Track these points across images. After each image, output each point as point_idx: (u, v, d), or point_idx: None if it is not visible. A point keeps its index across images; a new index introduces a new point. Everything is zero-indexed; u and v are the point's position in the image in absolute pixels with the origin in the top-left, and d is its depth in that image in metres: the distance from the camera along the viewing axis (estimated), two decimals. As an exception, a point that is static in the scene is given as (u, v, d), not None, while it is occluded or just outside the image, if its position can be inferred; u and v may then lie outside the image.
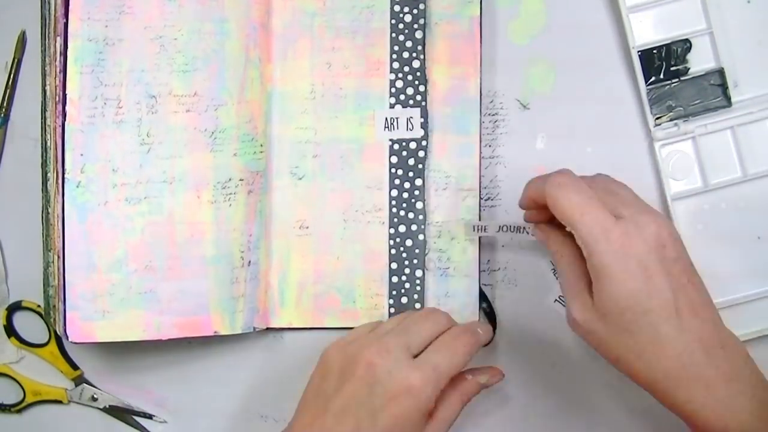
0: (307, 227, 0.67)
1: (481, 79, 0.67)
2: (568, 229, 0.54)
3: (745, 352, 0.55)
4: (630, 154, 0.68)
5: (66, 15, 0.62)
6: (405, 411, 0.56)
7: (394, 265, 0.68)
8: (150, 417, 0.69)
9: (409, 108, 0.67)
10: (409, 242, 0.68)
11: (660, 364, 0.53)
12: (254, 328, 0.66)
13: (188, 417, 0.69)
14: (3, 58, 0.69)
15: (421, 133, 0.67)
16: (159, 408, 0.69)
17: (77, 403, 0.69)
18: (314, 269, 0.68)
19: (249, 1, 0.65)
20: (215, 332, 0.65)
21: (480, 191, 0.68)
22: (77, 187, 0.62)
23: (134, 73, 0.63)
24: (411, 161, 0.67)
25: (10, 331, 0.69)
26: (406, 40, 0.67)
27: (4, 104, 0.69)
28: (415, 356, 0.59)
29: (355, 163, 0.67)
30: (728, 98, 0.66)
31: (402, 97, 0.67)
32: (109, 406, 0.69)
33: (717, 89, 0.66)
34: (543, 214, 0.60)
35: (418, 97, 0.67)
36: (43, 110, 0.65)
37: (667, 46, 0.67)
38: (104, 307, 0.63)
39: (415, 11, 0.67)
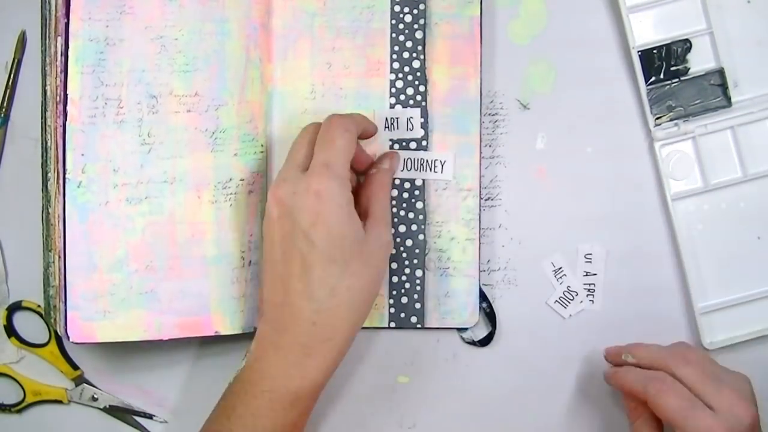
0: (308, 227, 0.67)
1: (481, 79, 0.67)
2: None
3: None
4: (630, 154, 0.68)
5: (67, 15, 0.62)
6: (328, 216, 0.58)
7: (394, 265, 0.68)
8: (150, 417, 0.69)
9: (409, 108, 0.67)
10: (409, 242, 0.68)
11: None
12: (255, 328, 0.66)
13: (188, 417, 0.69)
14: (3, 58, 0.69)
15: (421, 133, 0.67)
16: (159, 408, 0.69)
17: (77, 403, 0.69)
18: (314, 269, 0.68)
19: (249, 1, 0.65)
20: (216, 332, 0.65)
21: (480, 191, 0.68)
22: (78, 187, 0.62)
23: (135, 73, 0.63)
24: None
25: (10, 331, 0.69)
26: (406, 40, 0.67)
27: (4, 104, 0.69)
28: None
29: (355, 163, 0.67)
30: (728, 98, 0.66)
31: (402, 97, 0.67)
32: (109, 406, 0.69)
33: (717, 89, 0.67)
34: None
35: (418, 97, 0.67)
36: (44, 110, 0.65)
37: (667, 46, 0.67)
38: (105, 307, 0.63)
39: (415, 11, 0.67)
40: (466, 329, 0.69)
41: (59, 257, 0.63)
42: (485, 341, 0.69)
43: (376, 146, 0.67)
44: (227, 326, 0.65)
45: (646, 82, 0.67)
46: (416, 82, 0.67)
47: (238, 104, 0.65)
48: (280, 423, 0.59)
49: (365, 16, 0.67)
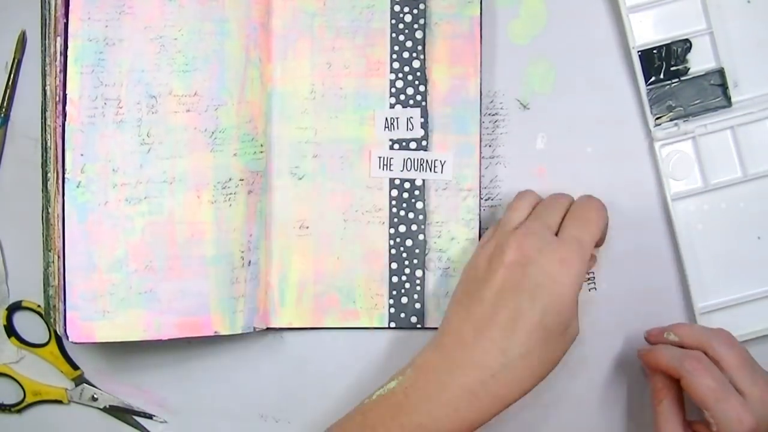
0: (307, 227, 0.68)
1: (481, 79, 0.67)
2: (707, 416, 0.58)
3: None
4: (630, 154, 0.68)
5: (66, 15, 0.62)
6: (561, 288, 0.58)
7: (394, 265, 0.68)
8: (150, 417, 0.69)
9: (409, 108, 0.67)
10: (409, 242, 0.68)
11: None
12: (254, 328, 0.66)
13: (188, 417, 0.69)
14: (3, 58, 0.69)
15: (421, 133, 0.67)
16: (159, 408, 0.69)
17: (77, 403, 0.69)
18: (314, 269, 0.68)
19: (249, 1, 0.65)
20: (215, 332, 0.65)
21: (480, 191, 0.68)
22: (77, 187, 0.62)
23: (134, 73, 0.63)
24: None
25: (10, 331, 0.69)
26: (406, 40, 0.67)
27: (4, 104, 0.69)
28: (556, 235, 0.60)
29: (355, 163, 0.68)
30: (728, 98, 0.66)
31: (402, 97, 0.67)
32: (109, 406, 0.69)
33: (717, 89, 0.66)
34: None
35: (418, 97, 0.67)
36: (43, 110, 0.65)
37: (667, 46, 0.67)
38: (104, 307, 0.63)
39: (415, 11, 0.67)
40: (466, 329, 0.69)
41: (59, 257, 0.63)
42: (485, 341, 0.69)
43: (377, 146, 0.67)
44: (227, 326, 0.65)
45: (646, 82, 0.67)
46: (416, 82, 0.67)
47: (238, 104, 0.65)
48: None
49: (365, 16, 0.67)
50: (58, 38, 0.62)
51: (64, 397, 0.69)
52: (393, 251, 0.68)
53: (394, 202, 0.67)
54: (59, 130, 0.62)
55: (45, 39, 0.65)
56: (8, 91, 0.69)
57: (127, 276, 0.63)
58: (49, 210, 0.64)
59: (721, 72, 0.66)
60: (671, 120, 0.67)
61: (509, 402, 0.58)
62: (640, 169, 0.68)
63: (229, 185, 0.65)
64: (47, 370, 0.69)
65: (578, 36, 0.69)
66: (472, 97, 0.68)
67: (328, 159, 0.67)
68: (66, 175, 0.62)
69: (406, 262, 0.68)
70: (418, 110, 0.67)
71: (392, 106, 0.68)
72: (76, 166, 0.62)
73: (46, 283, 0.66)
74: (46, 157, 0.65)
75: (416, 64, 0.67)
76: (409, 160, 0.68)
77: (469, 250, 0.67)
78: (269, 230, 0.67)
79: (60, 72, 0.62)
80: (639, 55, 0.66)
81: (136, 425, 0.69)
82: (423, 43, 0.67)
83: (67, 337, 0.62)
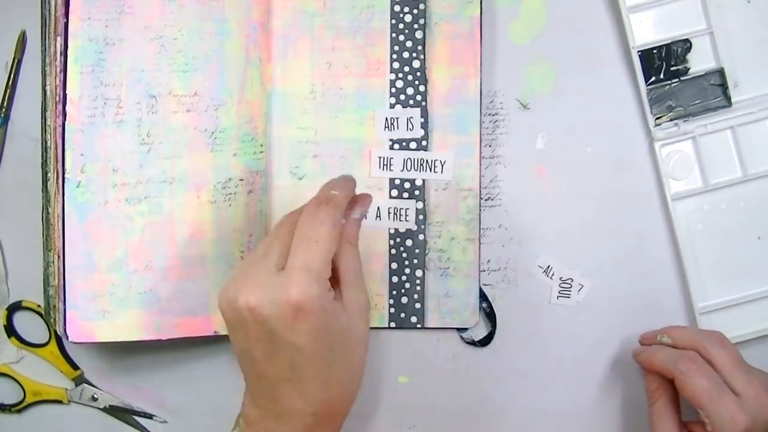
0: (307, 227, 0.67)
1: (481, 79, 0.67)
2: (702, 415, 0.59)
3: None
4: (630, 154, 0.68)
5: (66, 15, 0.62)
6: (310, 320, 0.53)
7: (394, 265, 0.68)
8: (150, 417, 0.69)
9: (409, 108, 0.67)
10: (409, 242, 0.68)
11: None
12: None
13: (188, 417, 0.69)
14: (3, 58, 0.69)
15: (421, 133, 0.67)
16: (159, 408, 0.69)
17: (77, 403, 0.69)
18: (314, 269, 0.68)
19: (249, 1, 0.65)
20: (215, 332, 0.65)
21: (480, 191, 0.68)
22: (77, 187, 0.62)
23: (134, 73, 0.63)
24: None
25: (10, 331, 0.69)
26: (406, 40, 0.67)
27: (4, 104, 0.69)
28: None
29: (355, 163, 0.67)
30: (728, 98, 0.66)
31: (402, 97, 0.67)
32: (109, 406, 0.69)
33: (717, 89, 0.66)
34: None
35: (418, 97, 0.67)
36: (43, 110, 0.65)
37: (667, 46, 0.67)
38: (104, 307, 0.63)
39: (415, 11, 0.67)
40: (466, 329, 0.69)
41: (59, 257, 0.63)
42: (485, 341, 0.69)
43: (377, 146, 0.67)
44: (227, 326, 0.65)
45: (646, 82, 0.67)
46: (416, 82, 0.67)
47: (238, 104, 0.65)
48: None
49: (365, 16, 0.67)
50: (58, 38, 0.62)
51: (64, 397, 0.69)
52: (393, 251, 0.68)
53: (394, 202, 0.67)
54: (59, 130, 0.62)
55: (45, 39, 0.65)
56: (8, 91, 0.69)
57: (127, 276, 0.63)
58: (49, 210, 0.64)
59: (721, 72, 0.66)
60: (671, 120, 0.67)
61: (346, 412, 0.58)
62: (640, 169, 0.68)
63: (229, 185, 0.65)
64: (47, 370, 0.69)
65: (578, 36, 0.69)
66: (472, 97, 0.68)
67: (328, 159, 0.67)
68: (66, 175, 0.62)
69: (406, 262, 0.68)
70: (418, 110, 0.67)
71: (392, 106, 0.68)
72: (76, 166, 0.62)
73: (46, 283, 0.66)
74: (46, 157, 0.65)
75: (416, 64, 0.67)
76: (409, 160, 0.68)
77: (469, 250, 0.67)
78: (269, 230, 0.67)
79: (60, 72, 0.62)
80: (639, 55, 0.67)
81: (136, 425, 0.69)
82: (423, 43, 0.67)
83: (67, 337, 0.62)
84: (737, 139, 0.67)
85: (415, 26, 0.67)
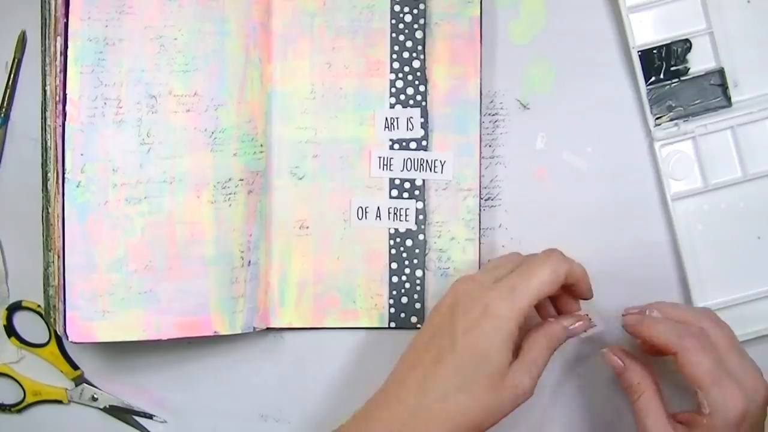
0: (307, 227, 0.68)
1: (481, 79, 0.67)
2: (700, 396, 0.57)
3: None
4: (630, 154, 0.68)
5: (66, 15, 0.62)
6: (482, 332, 0.57)
7: (394, 265, 0.68)
8: (150, 417, 0.69)
9: (409, 108, 0.67)
10: (409, 242, 0.68)
11: None
12: (254, 328, 0.66)
13: (188, 417, 0.69)
14: (3, 58, 0.69)
15: (421, 133, 0.67)
16: (159, 408, 0.69)
17: (77, 403, 0.69)
18: (314, 269, 0.68)
19: (249, 1, 0.65)
20: (215, 332, 0.65)
21: (480, 191, 0.68)
22: (77, 187, 0.62)
23: (134, 73, 0.63)
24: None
25: (10, 331, 0.69)
26: (406, 40, 0.67)
27: (4, 104, 0.69)
28: None
29: (355, 163, 0.68)
30: (728, 98, 0.66)
31: (402, 97, 0.67)
32: (109, 406, 0.69)
33: (717, 89, 0.66)
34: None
35: (418, 97, 0.67)
36: (43, 110, 0.65)
37: (667, 46, 0.67)
38: (104, 307, 0.63)
39: (415, 11, 0.67)
40: (466, 329, 0.69)
41: (59, 257, 0.63)
42: (485, 341, 0.69)
43: (377, 146, 0.67)
44: (226, 326, 0.65)
45: (646, 82, 0.67)
46: (416, 82, 0.67)
47: (238, 104, 0.65)
48: None
49: (365, 16, 0.67)
50: (58, 38, 0.62)
51: (64, 397, 0.69)
52: (393, 251, 0.68)
53: (393, 202, 0.67)
54: (59, 130, 0.62)
55: (45, 39, 0.65)
56: (8, 91, 0.69)
57: (127, 276, 0.63)
58: (49, 210, 0.64)
59: (721, 72, 0.66)
60: (671, 120, 0.67)
61: None
62: (640, 169, 0.68)
63: (228, 185, 0.65)
64: (47, 370, 0.69)
65: (578, 36, 0.69)
66: (472, 97, 0.68)
67: (328, 159, 0.67)
68: (66, 175, 0.62)
69: (406, 262, 0.68)
70: (418, 110, 0.67)
71: (392, 106, 0.68)
72: (76, 166, 0.62)
73: (46, 283, 0.66)
74: (46, 157, 0.65)
75: (416, 64, 0.67)
76: (409, 160, 0.68)
77: (469, 250, 0.67)
78: (269, 230, 0.67)
79: (60, 72, 0.62)
80: (639, 55, 0.66)
81: (136, 425, 0.69)
82: (423, 43, 0.67)
83: (67, 337, 0.62)
84: (737, 139, 0.66)
85: (415, 26, 0.67)
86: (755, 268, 0.67)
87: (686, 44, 0.66)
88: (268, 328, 0.67)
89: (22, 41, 0.69)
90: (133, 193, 0.63)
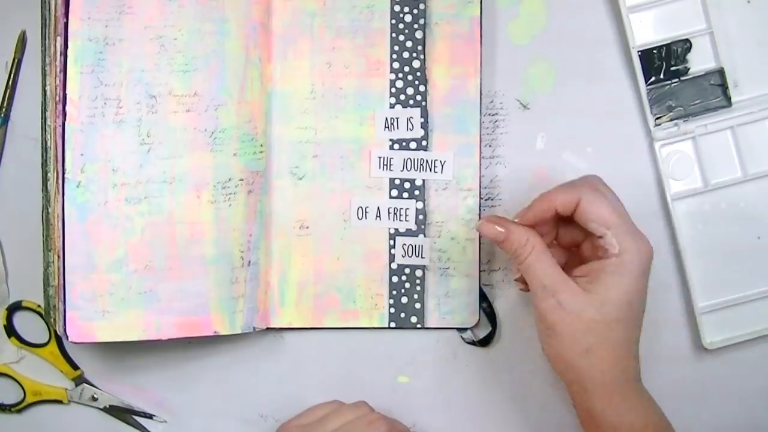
0: (307, 227, 0.68)
1: (481, 79, 0.67)
2: (606, 237, 0.57)
3: None
4: (630, 154, 0.68)
5: (66, 15, 0.62)
6: None
7: (394, 265, 0.68)
8: (150, 417, 0.69)
9: (409, 108, 0.67)
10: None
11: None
12: (254, 328, 0.66)
13: (188, 417, 0.69)
14: (3, 58, 0.69)
15: (421, 133, 0.67)
16: (159, 408, 0.69)
17: (77, 403, 0.69)
18: (314, 269, 0.68)
19: (249, 1, 0.65)
20: (215, 332, 0.65)
21: (480, 191, 0.68)
22: (77, 187, 0.62)
23: (134, 73, 0.63)
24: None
25: (10, 331, 0.69)
26: (406, 40, 0.67)
27: (4, 104, 0.69)
28: None
29: (355, 163, 0.68)
30: (728, 98, 0.66)
31: (402, 97, 0.67)
32: (109, 406, 0.69)
33: (717, 89, 0.66)
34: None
35: (418, 97, 0.67)
36: (43, 110, 0.65)
37: (667, 46, 0.67)
38: (104, 307, 0.63)
39: (415, 11, 0.67)
40: (466, 329, 0.69)
41: (58, 257, 0.63)
42: (485, 341, 0.69)
43: (377, 146, 0.67)
44: (226, 326, 0.65)
45: (646, 82, 0.67)
46: (416, 82, 0.67)
47: (238, 104, 0.65)
48: None
49: (365, 16, 0.67)
50: (58, 38, 0.62)
51: (64, 397, 0.69)
52: (393, 251, 0.68)
53: (393, 202, 0.67)
54: (59, 130, 0.62)
55: (45, 39, 0.65)
56: (8, 91, 0.69)
57: (127, 276, 0.63)
58: (49, 210, 0.64)
59: (721, 72, 0.66)
60: (671, 120, 0.67)
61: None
62: (640, 169, 0.68)
63: (228, 185, 0.65)
64: (47, 370, 0.69)
65: (578, 36, 0.69)
66: (472, 97, 0.68)
67: (328, 159, 0.67)
68: (66, 175, 0.62)
69: (406, 262, 0.68)
70: (418, 110, 0.67)
71: (392, 106, 0.68)
72: (76, 166, 0.62)
73: (46, 283, 0.66)
74: (46, 157, 0.65)
75: (416, 64, 0.67)
76: (409, 160, 0.68)
77: (469, 250, 0.67)
78: (269, 230, 0.67)
79: (60, 72, 0.62)
80: (639, 55, 0.67)
81: (136, 425, 0.69)
82: (423, 43, 0.67)
83: (67, 337, 0.62)
84: (737, 139, 0.67)
85: (415, 26, 0.67)
86: (755, 268, 0.67)
87: (686, 44, 0.66)
88: (268, 328, 0.67)
89: (22, 41, 0.69)
90: (133, 193, 0.63)
